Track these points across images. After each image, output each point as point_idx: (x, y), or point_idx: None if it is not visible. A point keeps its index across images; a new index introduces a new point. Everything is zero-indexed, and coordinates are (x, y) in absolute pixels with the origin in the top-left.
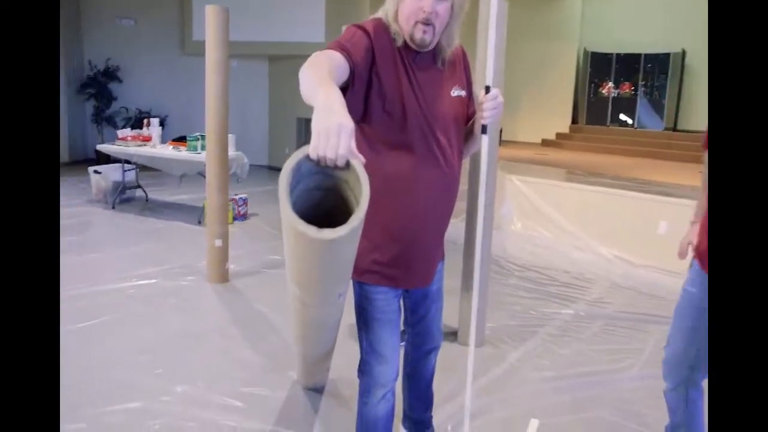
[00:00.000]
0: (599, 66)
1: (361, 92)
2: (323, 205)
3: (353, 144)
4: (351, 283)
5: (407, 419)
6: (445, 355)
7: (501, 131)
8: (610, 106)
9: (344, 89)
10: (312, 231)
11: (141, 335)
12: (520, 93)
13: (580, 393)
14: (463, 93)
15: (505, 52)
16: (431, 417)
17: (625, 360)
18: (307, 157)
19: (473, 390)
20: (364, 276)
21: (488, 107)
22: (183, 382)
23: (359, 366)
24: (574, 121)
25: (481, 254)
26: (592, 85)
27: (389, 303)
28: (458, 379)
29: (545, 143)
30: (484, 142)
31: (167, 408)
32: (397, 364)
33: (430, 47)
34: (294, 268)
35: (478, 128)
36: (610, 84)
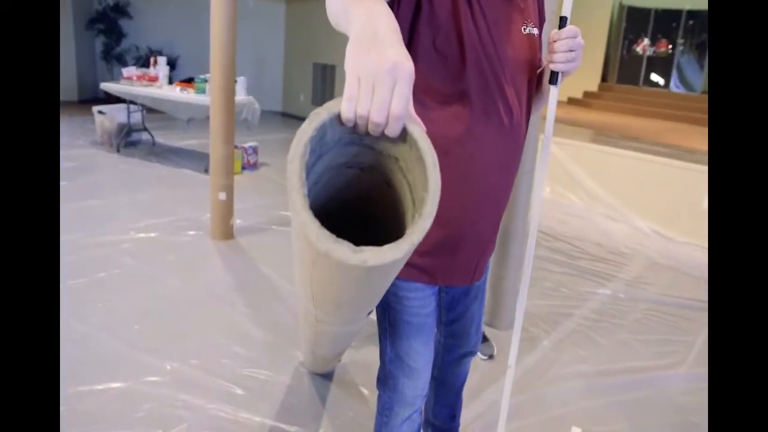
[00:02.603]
0: (635, 21)
1: (405, 19)
2: (357, 184)
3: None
4: None
5: (429, 426)
6: None
7: None
8: (644, 65)
9: None
10: (344, 252)
11: (133, 298)
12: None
13: (626, 394)
14: (535, 31)
15: None
16: (458, 425)
17: (674, 354)
18: (337, 117)
19: (501, 385)
20: None
21: (561, 47)
22: (174, 359)
23: (379, 376)
24: (604, 79)
25: (533, 235)
26: (626, 41)
27: (425, 304)
28: (487, 369)
29: (571, 102)
30: (551, 97)
31: (154, 391)
32: (428, 378)
33: None
34: (307, 284)
35: (546, 79)
36: (646, 41)
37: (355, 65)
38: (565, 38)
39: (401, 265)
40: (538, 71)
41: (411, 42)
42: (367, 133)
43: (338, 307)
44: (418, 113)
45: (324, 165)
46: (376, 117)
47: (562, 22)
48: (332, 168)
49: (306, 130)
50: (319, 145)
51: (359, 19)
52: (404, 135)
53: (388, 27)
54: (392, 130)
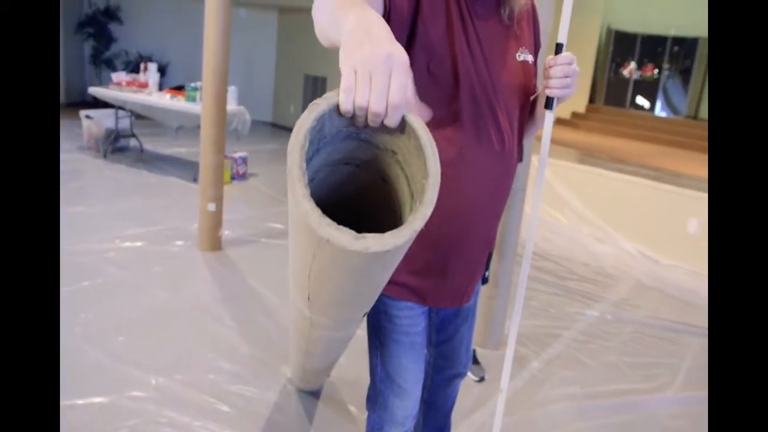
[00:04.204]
0: (622, 45)
1: (400, 41)
2: (352, 182)
3: (412, 88)
4: None
5: None
6: None
7: None
8: (630, 88)
9: None
10: (346, 238)
11: (117, 309)
12: None
13: (615, 417)
14: (530, 58)
15: None
16: None
17: (660, 377)
18: (336, 109)
19: (490, 407)
20: (385, 286)
21: (557, 74)
22: (159, 374)
23: (369, 395)
24: (591, 100)
25: (528, 259)
26: (613, 64)
27: (415, 322)
28: (477, 390)
29: (559, 122)
30: (547, 122)
31: (138, 406)
32: (418, 398)
33: None
34: (304, 282)
35: (541, 104)
36: (632, 65)
37: (350, 58)
38: (561, 64)
39: (401, 255)
40: (533, 97)
41: None
42: (366, 126)
43: (335, 306)
44: None
45: (321, 161)
46: (376, 106)
47: (558, 48)
48: (329, 164)
49: (305, 121)
50: (317, 137)
51: (350, 23)
52: (403, 126)
53: (380, 27)
54: (392, 120)
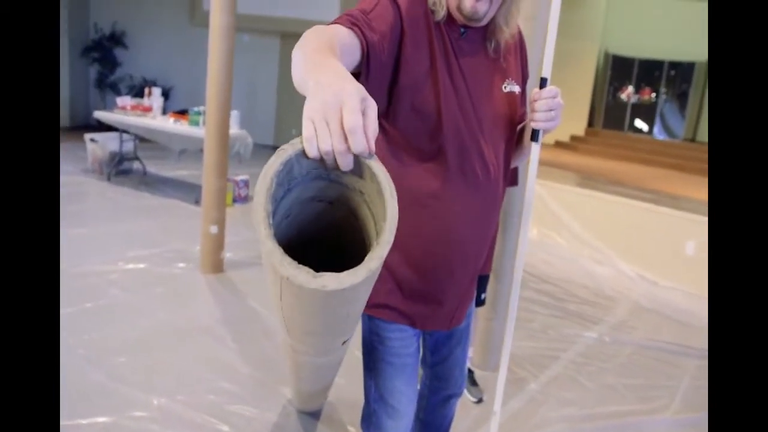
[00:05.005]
0: (620, 69)
1: (381, 81)
2: (326, 217)
3: (375, 128)
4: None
5: None
6: None
7: None
8: (628, 112)
9: (355, 76)
10: (305, 277)
11: (121, 330)
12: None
13: None
14: (516, 88)
15: None
16: None
17: (658, 399)
18: (303, 153)
19: (488, 429)
20: (376, 310)
21: (542, 107)
22: (161, 394)
23: (364, 415)
24: (590, 124)
25: (517, 282)
26: (611, 88)
27: (406, 344)
28: (475, 411)
29: (558, 145)
30: (533, 153)
31: (140, 427)
32: (412, 418)
33: (483, 22)
34: (280, 314)
35: (527, 135)
36: (630, 88)
37: (306, 112)
38: (546, 98)
39: (362, 293)
40: (519, 127)
41: (390, 101)
42: (334, 168)
43: (308, 335)
44: (398, 168)
45: (293, 199)
46: (339, 147)
47: (543, 83)
48: (302, 202)
49: (272, 165)
50: (287, 179)
51: (313, 78)
52: (366, 170)
53: (342, 73)
54: (356, 147)
